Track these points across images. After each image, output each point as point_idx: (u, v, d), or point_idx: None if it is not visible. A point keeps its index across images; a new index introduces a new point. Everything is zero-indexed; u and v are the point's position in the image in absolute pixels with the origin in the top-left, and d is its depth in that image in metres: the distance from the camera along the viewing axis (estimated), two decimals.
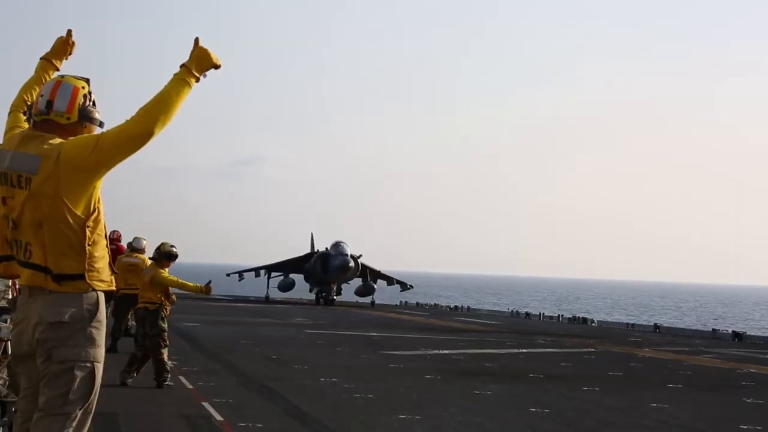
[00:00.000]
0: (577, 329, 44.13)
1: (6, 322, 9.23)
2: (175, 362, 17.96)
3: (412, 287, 71.14)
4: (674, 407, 14.62)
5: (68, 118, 5.00)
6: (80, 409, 4.93)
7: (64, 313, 4.88)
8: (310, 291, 68.52)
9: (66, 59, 5.71)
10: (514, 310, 62.97)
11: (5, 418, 8.97)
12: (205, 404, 12.46)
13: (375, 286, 68.56)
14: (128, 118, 4.90)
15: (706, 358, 26.65)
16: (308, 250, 70.91)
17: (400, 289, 70.41)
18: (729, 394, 17.29)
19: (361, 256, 65.44)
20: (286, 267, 69.37)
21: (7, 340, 9.26)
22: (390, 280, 69.98)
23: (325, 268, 63.57)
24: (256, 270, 70.35)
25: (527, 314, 58.03)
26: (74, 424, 4.91)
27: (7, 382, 9.19)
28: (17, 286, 5.25)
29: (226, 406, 12.46)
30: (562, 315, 54.92)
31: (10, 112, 5.39)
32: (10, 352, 5.17)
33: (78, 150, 4.86)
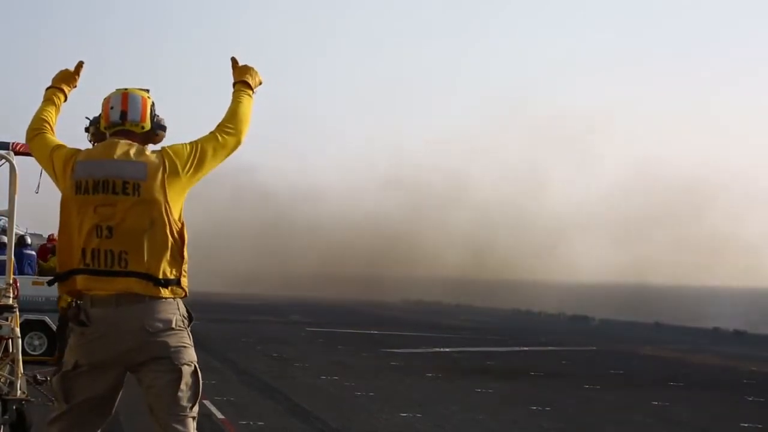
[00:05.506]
0: (578, 327, 44.16)
1: (7, 320, 9.23)
2: None
3: None
4: (675, 405, 14.62)
5: (143, 127, 5.10)
6: (197, 408, 5.02)
7: (170, 320, 4.93)
8: None
9: (72, 89, 5.63)
10: (515, 307, 62.85)
11: (6, 416, 8.96)
12: (206, 402, 12.42)
13: None
14: (213, 131, 5.13)
15: (707, 356, 26.67)
16: None
17: None
18: (730, 392, 17.29)
19: None
20: None
21: (8, 339, 9.26)
22: None
23: None
24: None
25: (528, 312, 58.03)
26: (195, 423, 5.01)
27: (9, 381, 9.19)
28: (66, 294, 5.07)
29: (227, 404, 12.46)
30: (564, 313, 54.92)
31: (35, 136, 5.27)
32: (78, 360, 5.00)
33: (180, 158, 5.01)
